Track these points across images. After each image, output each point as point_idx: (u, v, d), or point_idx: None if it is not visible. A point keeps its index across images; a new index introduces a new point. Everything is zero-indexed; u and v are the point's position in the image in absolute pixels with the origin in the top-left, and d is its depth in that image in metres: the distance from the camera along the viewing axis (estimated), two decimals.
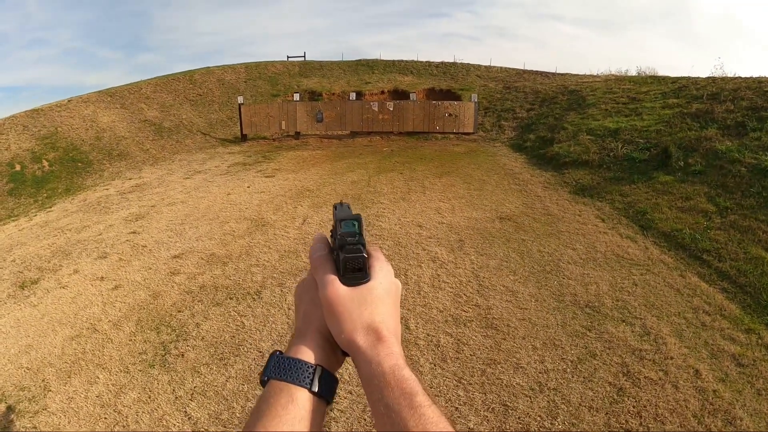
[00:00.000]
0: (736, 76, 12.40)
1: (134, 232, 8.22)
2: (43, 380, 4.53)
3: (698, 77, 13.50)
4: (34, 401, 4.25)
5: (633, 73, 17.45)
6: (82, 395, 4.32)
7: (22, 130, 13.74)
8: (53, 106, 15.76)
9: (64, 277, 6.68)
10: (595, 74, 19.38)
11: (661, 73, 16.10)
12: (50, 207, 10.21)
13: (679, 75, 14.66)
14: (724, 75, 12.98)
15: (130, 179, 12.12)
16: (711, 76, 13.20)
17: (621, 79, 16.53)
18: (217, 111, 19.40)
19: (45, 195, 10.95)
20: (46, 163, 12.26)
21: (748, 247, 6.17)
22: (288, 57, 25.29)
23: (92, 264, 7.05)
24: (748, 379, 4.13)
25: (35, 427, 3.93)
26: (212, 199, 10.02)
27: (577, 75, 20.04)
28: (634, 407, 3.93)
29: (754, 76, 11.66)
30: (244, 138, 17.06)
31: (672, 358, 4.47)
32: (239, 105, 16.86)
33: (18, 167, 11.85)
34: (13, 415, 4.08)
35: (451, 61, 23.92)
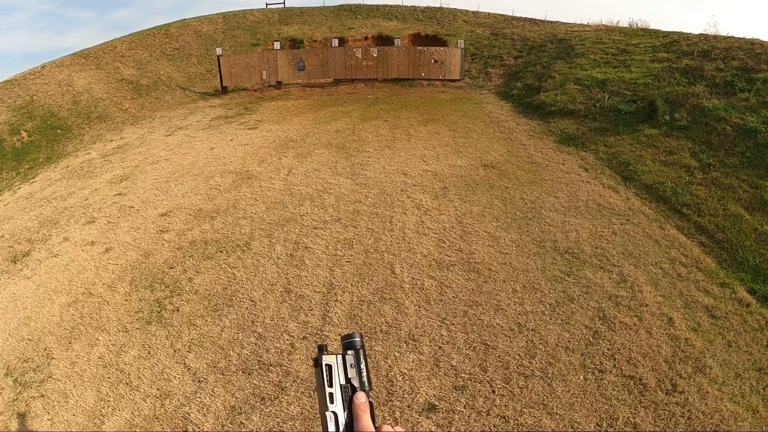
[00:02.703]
0: (729, 35, 12.03)
1: (120, 194, 8.16)
2: (45, 349, 4.65)
3: (690, 33, 13.17)
4: (38, 371, 4.39)
5: (624, 24, 17.00)
6: (84, 358, 4.47)
7: None
8: (27, 74, 15.06)
9: (54, 246, 6.69)
10: (585, 23, 18.82)
11: (654, 26, 15.71)
12: (33, 178, 10.00)
13: (671, 30, 14.32)
14: (717, 33, 12.62)
15: (111, 141, 11.84)
16: (703, 33, 12.84)
17: (611, 30, 16.11)
18: (195, 64, 18.69)
19: (27, 166, 10.70)
20: (24, 134, 11.88)
21: (727, 205, 6.28)
22: (267, 4, 24.09)
23: (81, 230, 7.05)
24: (719, 331, 4.35)
25: (43, 395, 4.08)
26: (196, 154, 9.90)
27: (567, 23, 19.44)
28: (608, 350, 4.18)
29: (747, 36, 11.38)
30: (224, 90, 16.58)
31: (647, 306, 4.70)
32: (218, 57, 16.23)
33: None
34: (20, 387, 4.21)
35: (438, 5, 23.01)
